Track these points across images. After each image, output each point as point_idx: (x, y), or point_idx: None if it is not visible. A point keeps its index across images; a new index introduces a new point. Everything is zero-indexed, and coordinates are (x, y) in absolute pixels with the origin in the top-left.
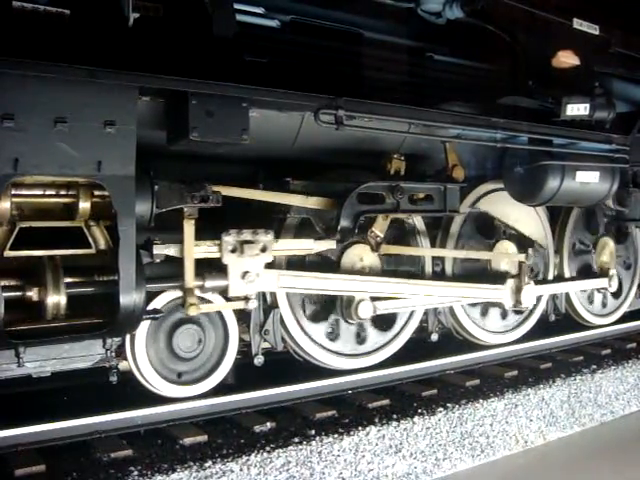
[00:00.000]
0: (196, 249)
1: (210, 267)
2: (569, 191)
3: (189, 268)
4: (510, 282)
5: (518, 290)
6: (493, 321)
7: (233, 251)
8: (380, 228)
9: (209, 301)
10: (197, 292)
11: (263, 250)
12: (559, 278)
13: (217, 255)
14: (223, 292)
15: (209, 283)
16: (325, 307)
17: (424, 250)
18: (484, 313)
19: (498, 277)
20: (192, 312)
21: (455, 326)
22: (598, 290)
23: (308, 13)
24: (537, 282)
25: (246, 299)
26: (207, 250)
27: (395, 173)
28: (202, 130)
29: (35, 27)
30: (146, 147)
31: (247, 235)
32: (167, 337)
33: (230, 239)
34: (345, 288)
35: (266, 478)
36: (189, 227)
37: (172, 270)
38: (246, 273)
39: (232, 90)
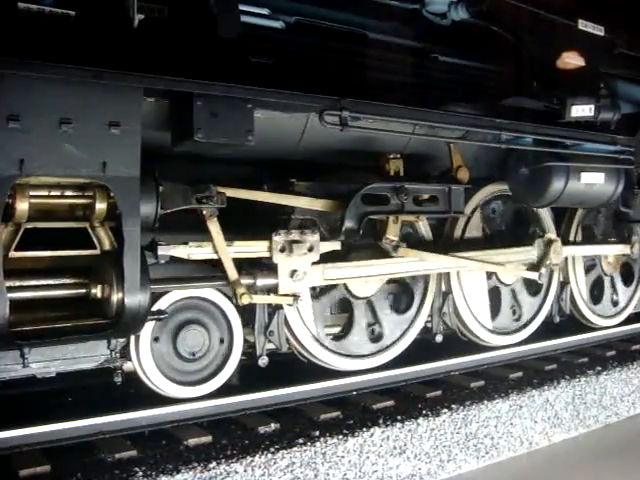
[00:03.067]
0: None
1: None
2: (574, 192)
3: (228, 264)
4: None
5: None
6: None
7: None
8: (393, 232)
9: None
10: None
11: (310, 249)
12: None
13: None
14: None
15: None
16: None
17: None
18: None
19: None
20: (245, 301)
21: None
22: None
23: (313, 14)
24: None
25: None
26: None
27: (395, 173)
28: (207, 131)
29: (40, 28)
30: (151, 148)
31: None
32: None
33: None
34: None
35: (270, 479)
36: (214, 226)
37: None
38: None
39: (237, 91)
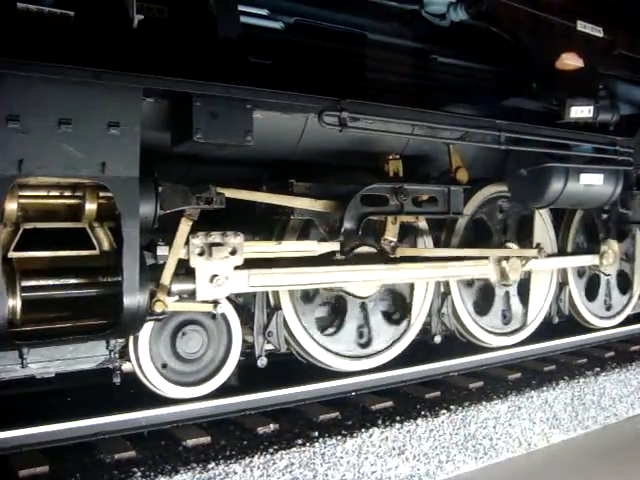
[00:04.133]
0: None
1: None
2: (573, 193)
3: (170, 266)
4: None
5: None
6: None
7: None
8: (392, 233)
9: None
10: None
11: (233, 253)
12: None
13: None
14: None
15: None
16: None
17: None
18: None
19: None
20: (158, 309)
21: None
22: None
23: (312, 15)
24: None
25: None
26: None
27: (394, 174)
28: (206, 132)
29: (40, 29)
30: (150, 148)
31: (216, 237)
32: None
33: (198, 242)
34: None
35: None
36: (184, 227)
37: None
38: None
39: (236, 92)
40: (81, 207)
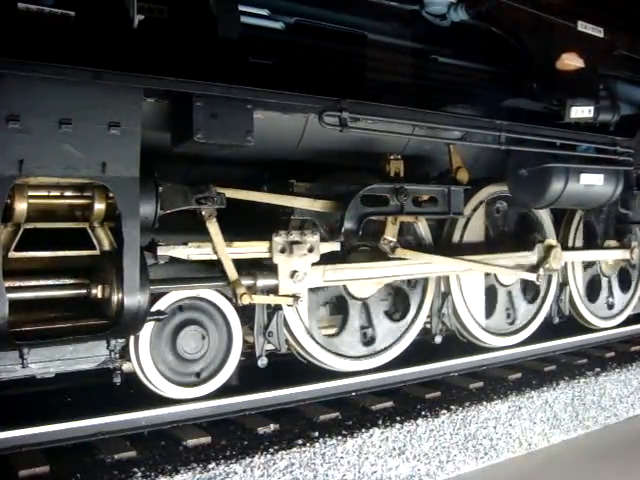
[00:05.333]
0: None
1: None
2: (573, 194)
3: (228, 264)
4: None
5: None
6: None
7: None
8: (391, 233)
9: None
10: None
11: (310, 250)
12: None
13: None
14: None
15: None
16: None
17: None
18: None
19: None
20: (245, 301)
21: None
22: None
23: (312, 15)
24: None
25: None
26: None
27: (395, 174)
28: (206, 132)
29: (40, 29)
30: (151, 149)
31: (295, 236)
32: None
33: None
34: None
35: None
36: (214, 227)
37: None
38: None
39: (236, 92)
40: (90, 207)
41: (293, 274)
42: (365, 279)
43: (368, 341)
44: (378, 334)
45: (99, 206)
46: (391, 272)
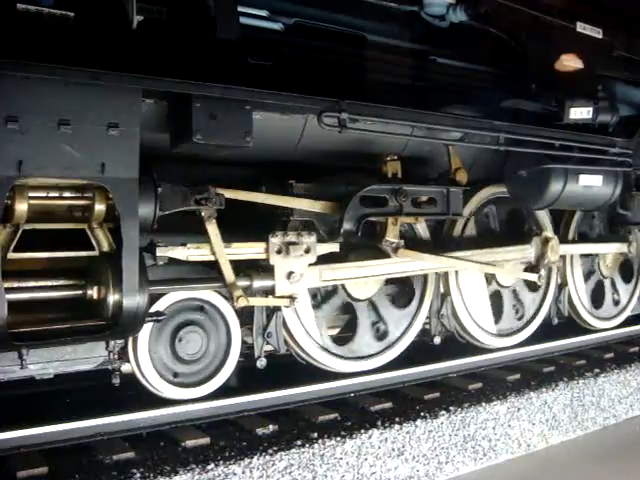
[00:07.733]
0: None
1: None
2: (572, 195)
3: (225, 266)
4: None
5: None
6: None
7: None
8: (393, 234)
9: None
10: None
11: (307, 251)
12: None
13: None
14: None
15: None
16: None
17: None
18: None
19: None
20: (242, 303)
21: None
22: None
23: (312, 16)
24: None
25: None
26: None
27: (393, 175)
28: (205, 133)
29: (39, 29)
30: (150, 149)
31: (292, 237)
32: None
33: (276, 240)
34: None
35: None
36: (213, 228)
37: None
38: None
39: (235, 93)
40: (89, 208)
41: (290, 275)
42: (363, 277)
43: (382, 335)
44: (390, 325)
45: (99, 207)
46: (389, 269)
